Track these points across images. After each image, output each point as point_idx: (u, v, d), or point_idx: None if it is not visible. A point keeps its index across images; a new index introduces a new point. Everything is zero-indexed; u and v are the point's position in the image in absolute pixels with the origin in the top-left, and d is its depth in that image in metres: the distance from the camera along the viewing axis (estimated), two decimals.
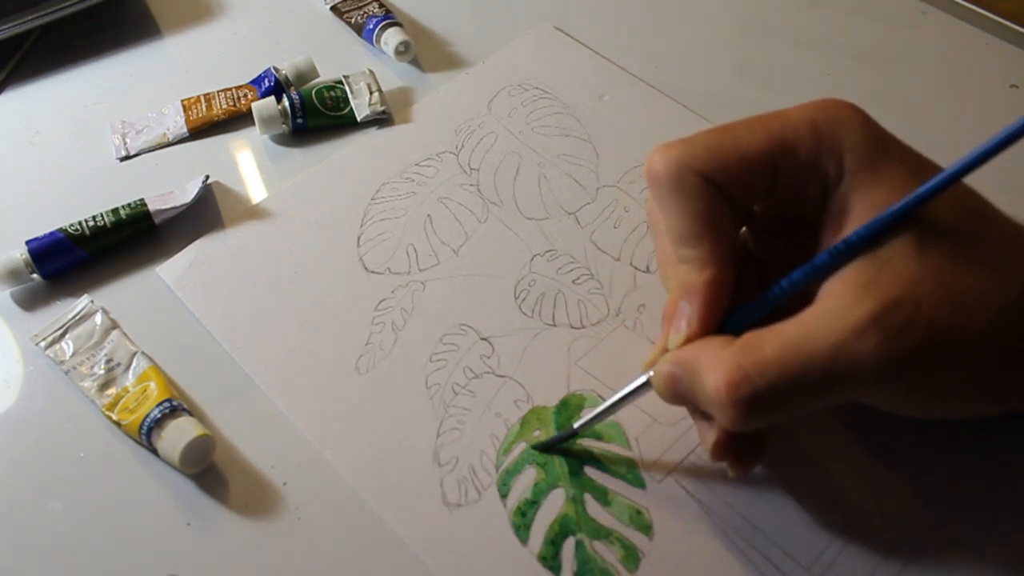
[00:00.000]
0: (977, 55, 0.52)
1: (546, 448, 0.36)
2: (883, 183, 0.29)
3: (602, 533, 0.34)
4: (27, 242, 0.42)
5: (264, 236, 0.44)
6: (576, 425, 0.35)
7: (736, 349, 0.28)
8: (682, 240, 0.31)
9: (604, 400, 0.38)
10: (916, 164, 0.30)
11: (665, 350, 0.31)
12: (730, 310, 0.31)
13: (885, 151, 0.30)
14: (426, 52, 0.54)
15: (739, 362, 0.28)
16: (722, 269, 0.30)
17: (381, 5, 0.55)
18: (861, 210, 0.29)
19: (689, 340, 0.30)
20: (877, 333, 0.27)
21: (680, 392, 0.30)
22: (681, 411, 0.37)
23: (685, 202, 0.31)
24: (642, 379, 0.32)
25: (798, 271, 0.30)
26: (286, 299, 0.42)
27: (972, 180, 0.28)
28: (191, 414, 0.37)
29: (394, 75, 0.52)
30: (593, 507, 0.35)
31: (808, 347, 0.27)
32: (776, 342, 0.28)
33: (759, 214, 0.35)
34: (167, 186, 0.46)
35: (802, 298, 0.30)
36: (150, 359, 0.39)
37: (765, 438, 0.33)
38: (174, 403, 0.37)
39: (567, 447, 0.36)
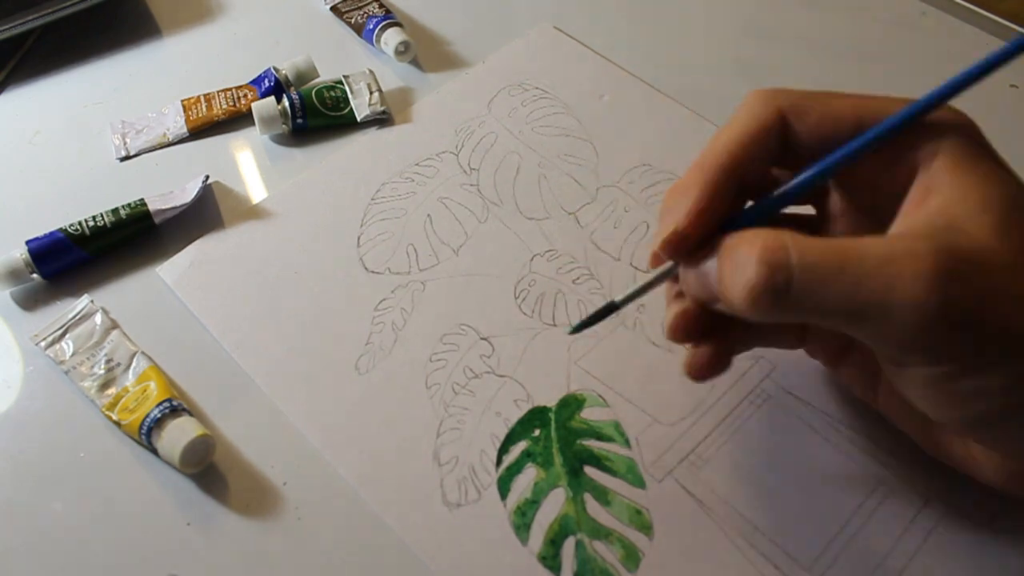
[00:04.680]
0: (977, 55, 0.52)
1: (582, 326, 0.33)
2: (977, 171, 0.28)
3: (602, 533, 0.34)
4: (27, 242, 0.42)
5: (264, 236, 0.44)
6: (618, 299, 0.32)
7: (782, 230, 0.27)
8: (721, 146, 0.30)
9: (604, 400, 0.38)
10: (1010, 172, 0.29)
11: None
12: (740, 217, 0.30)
13: (983, 155, 0.29)
14: (426, 52, 0.54)
15: (782, 236, 0.27)
16: (735, 170, 0.30)
17: (381, 5, 0.55)
18: (951, 189, 0.28)
19: (691, 214, 0.29)
20: (933, 264, 0.25)
21: (705, 270, 0.29)
22: (681, 411, 0.37)
23: (745, 119, 0.30)
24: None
25: (817, 165, 0.29)
26: (286, 299, 0.42)
27: None
28: (191, 414, 0.37)
29: (394, 75, 0.52)
30: (593, 507, 0.35)
31: (856, 249, 0.26)
32: (823, 240, 0.27)
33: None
34: (167, 186, 0.46)
35: None
36: (150, 359, 0.39)
37: (729, 351, 0.32)
38: (174, 403, 0.37)
39: (567, 445, 0.36)
